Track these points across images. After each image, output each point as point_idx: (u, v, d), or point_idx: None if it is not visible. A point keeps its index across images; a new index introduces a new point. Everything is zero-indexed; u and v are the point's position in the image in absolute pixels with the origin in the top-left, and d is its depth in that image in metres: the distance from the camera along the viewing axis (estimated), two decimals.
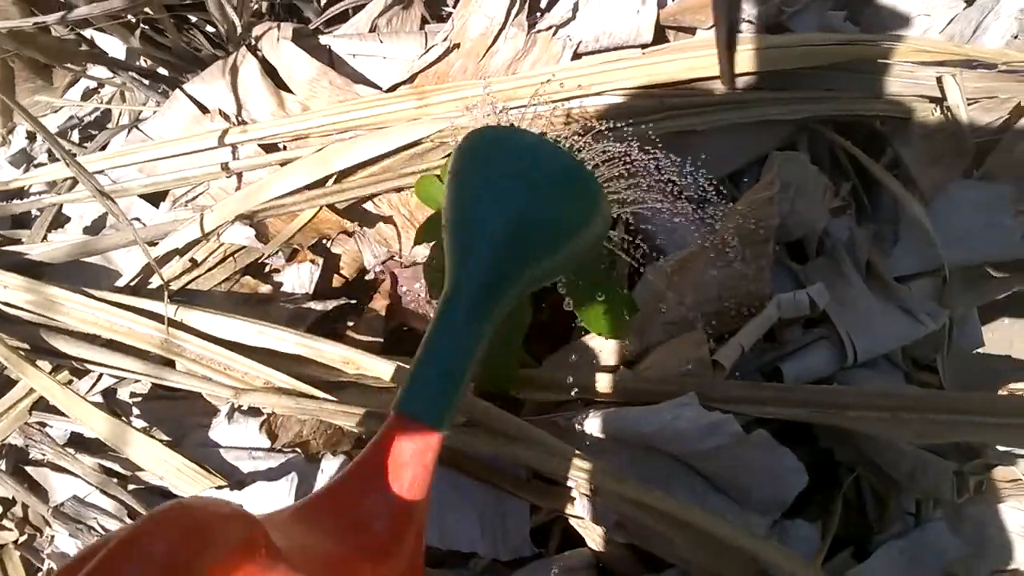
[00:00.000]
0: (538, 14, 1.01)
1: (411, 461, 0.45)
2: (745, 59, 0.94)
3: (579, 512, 0.81)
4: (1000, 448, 0.90)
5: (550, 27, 0.97)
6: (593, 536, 0.82)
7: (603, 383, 0.85)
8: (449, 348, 0.48)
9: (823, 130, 1.00)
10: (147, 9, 0.99)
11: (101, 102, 1.23)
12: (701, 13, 0.98)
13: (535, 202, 0.51)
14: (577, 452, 0.79)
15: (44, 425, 0.94)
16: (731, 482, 0.80)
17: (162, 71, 1.12)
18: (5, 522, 0.99)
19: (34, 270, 0.96)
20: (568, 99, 0.95)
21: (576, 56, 0.98)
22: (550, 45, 0.97)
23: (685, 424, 0.79)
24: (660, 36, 1.01)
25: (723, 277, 0.87)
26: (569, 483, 0.81)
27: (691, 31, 1.01)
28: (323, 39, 1.04)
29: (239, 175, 1.01)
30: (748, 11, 1.04)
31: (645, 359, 0.87)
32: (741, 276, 0.86)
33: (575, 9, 0.98)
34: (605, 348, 0.88)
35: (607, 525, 0.80)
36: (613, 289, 0.87)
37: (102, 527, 0.88)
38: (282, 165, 0.99)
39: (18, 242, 1.06)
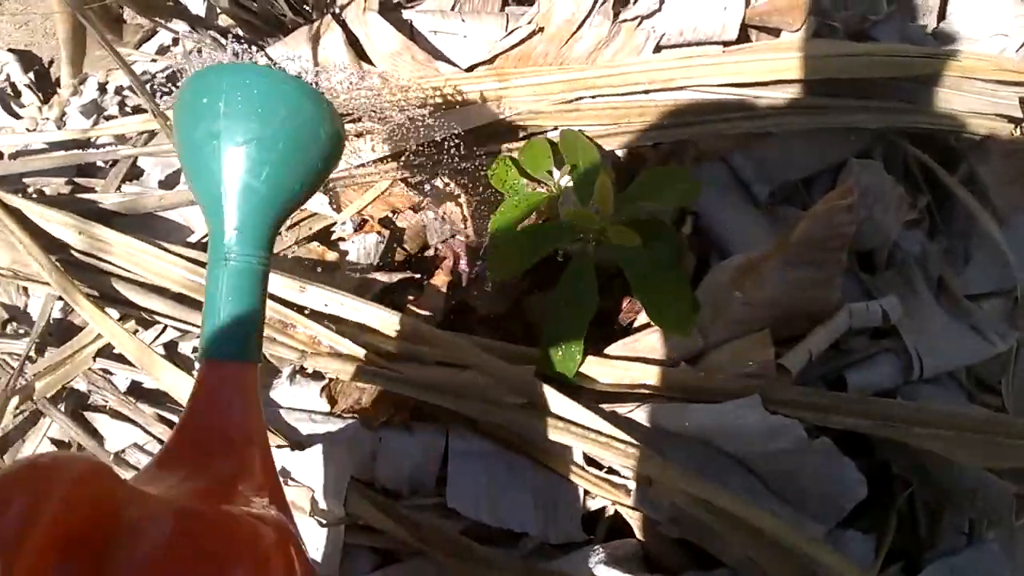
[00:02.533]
0: (624, 4, 1.01)
1: (233, 395, 0.50)
2: (825, 65, 0.94)
3: (631, 503, 0.81)
4: None
5: (635, 18, 0.96)
6: (643, 528, 0.82)
7: (663, 377, 0.85)
8: (234, 289, 0.51)
9: (899, 141, 0.99)
10: None
11: (175, 59, 1.24)
12: (789, 15, 0.97)
13: (264, 129, 0.51)
14: (634, 442, 0.79)
15: (108, 372, 0.96)
16: (789, 487, 0.80)
17: (241, 32, 1.12)
18: None
19: (107, 219, 0.98)
20: (648, 91, 0.95)
21: (658, 49, 0.98)
22: (634, 36, 0.97)
23: (748, 425, 0.79)
24: (744, 35, 1.00)
25: (793, 281, 0.86)
26: (624, 473, 0.82)
27: (776, 32, 1.01)
28: (405, 14, 1.05)
29: None
30: (832, 17, 1.04)
31: (708, 356, 0.87)
32: (811, 282, 0.86)
33: (662, 2, 0.97)
34: (666, 343, 0.88)
35: (660, 518, 0.81)
36: (679, 284, 0.87)
37: None
38: (358, 136, 0.99)
39: (91, 190, 1.07)
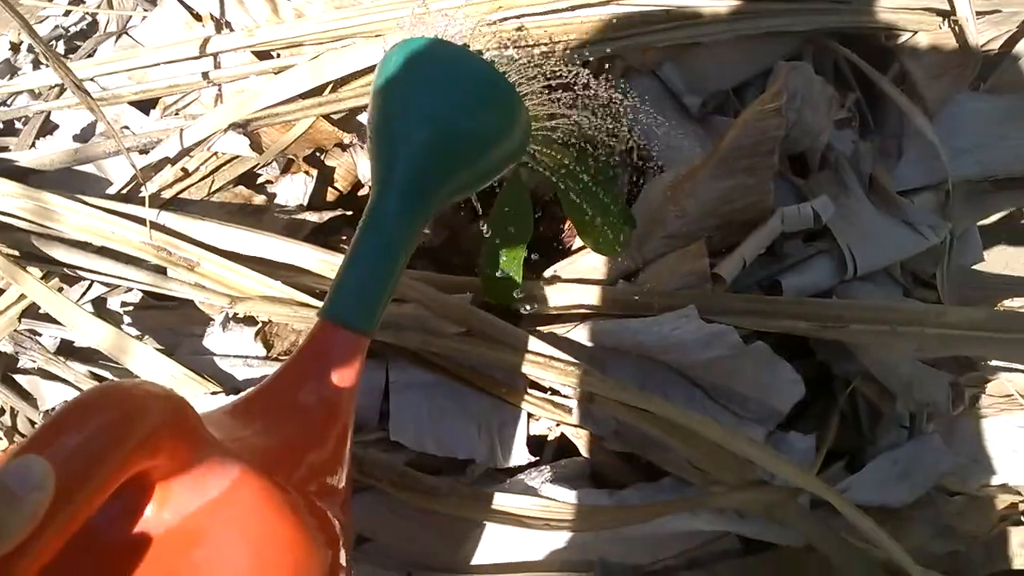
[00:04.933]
0: None
1: (338, 364, 0.49)
2: None
3: (575, 421, 0.81)
4: (995, 363, 0.90)
5: None
6: (588, 445, 0.83)
7: (601, 296, 0.85)
8: (375, 256, 0.51)
9: (828, 42, 0.97)
10: None
11: (88, 9, 1.19)
12: None
13: (456, 113, 0.53)
14: (575, 361, 0.79)
15: (34, 333, 0.93)
16: (729, 392, 0.81)
17: None
18: None
19: (24, 177, 0.93)
20: (573, 7, 0.92)
21: None
22: None
23: (685, 335, 0.78)
24: None
25: (725, 190, 0.86)
26: (566, 392, 0.82)
27: None
28: None
29: (228, 83, 0.98)
30: None
31: (644, 272, 0.87)
32: (744, 189, 0.85)
33: None
34: (603, 262, 0.88)
35: (603, 434, 0.81)
36: (612, 203, 0.86)
37: None
38: (276, 73, 0.96)
39: (6, 149, 1.03)
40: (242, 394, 0.48)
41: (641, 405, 0.75)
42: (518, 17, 0.94)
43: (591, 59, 0.97)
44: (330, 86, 0.95)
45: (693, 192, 0.87)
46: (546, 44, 0.94)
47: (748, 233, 0.85)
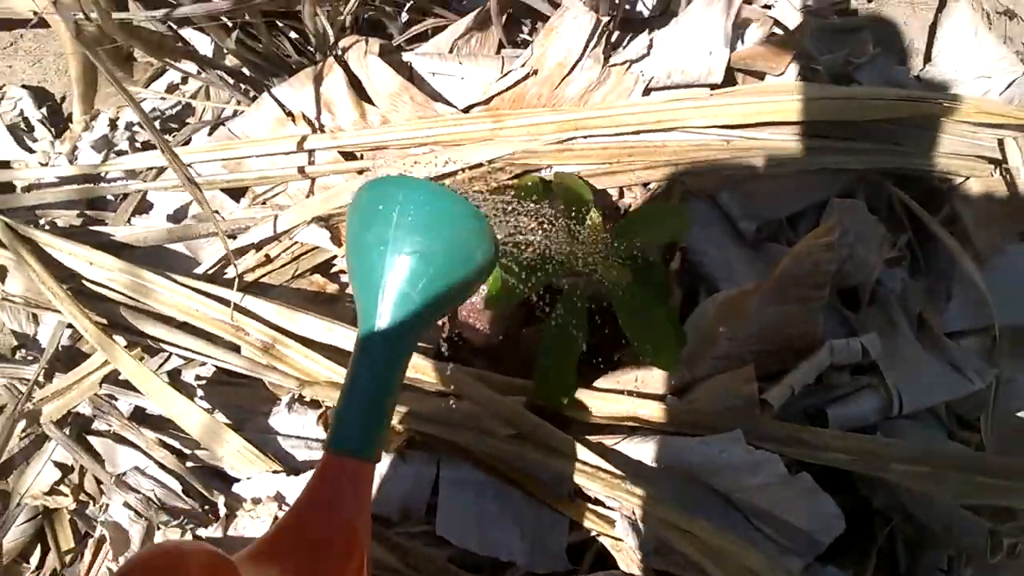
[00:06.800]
0: (614, 48, 1.05)
1: (349, 496, 0.50)
2: (808, 108, 0.97)
3: (617, 533, 0.83)
4: None
5: (625, 62, 1.00)
6: (627, 559, 0.84)
7: (651, 410, 0.88)
8: (371, 387, 0.52)
9: (883, 182, 1.02)
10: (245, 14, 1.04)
11: (184, 97, 1.29)
12: (773, 59, 1.01)
13: (431, 242, 0.54)
14: (620, 474, 0.82)
15: (112, 398, 0.99)
16: (770, 520, 0.82)
17: (247, 72, 1.17)
18: (62, 487, 1.04)
19: (118, 251, 1.01)
20: (638, 132, 0.98)
21: (647, 91, 1.02)
22: (623, 79, 1.00)
23: (730, 459, 0.81)
24: (730, 78, 1.04)
25: (776, 317, 0.89)
26: (610, 504, 0.84)
27: (760, 75, 1.05)
28: (405, 56, 1.09)
29: (318, 178, 1.06)
30: (816, 60, 1.08)
31: (694, 390, 0.90)
32: (794, 317, 0.88)
33: (650, 46, 1.01)
34: (655, 376, 0.91)
35: (644, 550, 0.83)
36: (666, 319, 0.90)
37: (158, 499, 0.93)
38: (359, 173, 1.03)
39: (102, 223, 1.11)
40: (267, 533, 0.49)
41: (684, 526, 0.77)
42: (585, 137, 1.00)
43: (652, 182, 1.03)
44: None
45: (745, 316, 0.90)
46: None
47: (796, 360, 0.88)
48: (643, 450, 0.84)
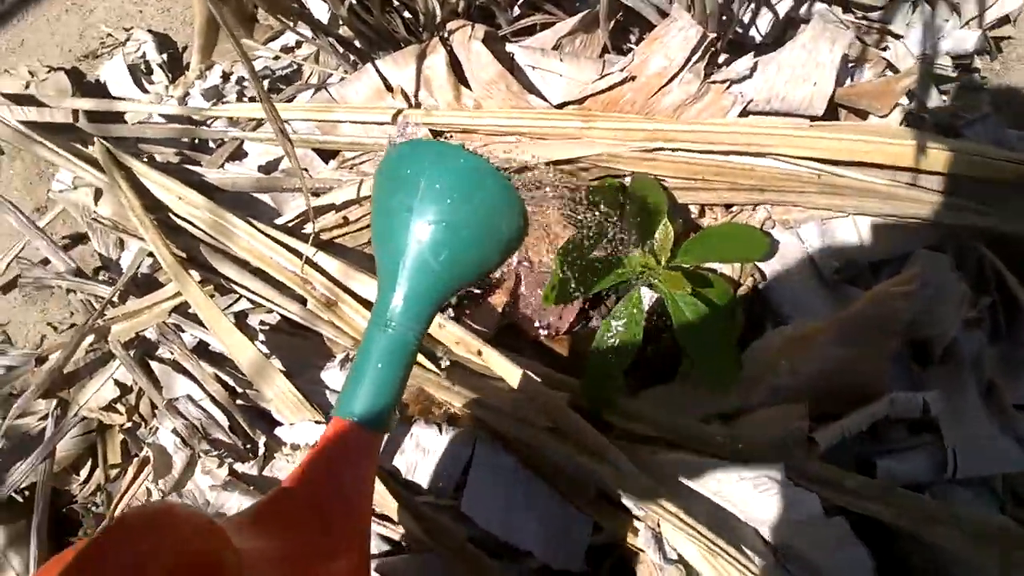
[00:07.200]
0: (716, 66, 1.04)
1: (353, 464, 0.49)
2: (907, 155, 0.94)
3: (640, 544, 0.82)
4: None
5: (726, 81, 0.99)
6: (647, 571, 0.83)
7: (694, 430, 0.87)
8: (384, 356, 0.51)
9: (974, 241, 0.98)
10: None
11: (296, 59, 1.34)
12: (878, 99, 0.99)
13: (456, 212, 0.52)
14: (653, 486, 0.81)
15: (179, 329, 1.04)
16: (798, 560, 0.80)
17: (357, 43, 1.21)
18: (118, 406, 1.09)
19: (207, 192, 1.06)
20: (728, 153, 0.97)
21: (744, 113, 1.00)
22: (721, 97, 1.00)
23: (768, 492, 0.79)
24: (832, 112, 1.02)
25: (841, 359, 0.87)
26: (637, 513, 0.83)
27: (864, 114, 1.02)
28: (509, 46, 1.11)
29: None
30: (924, 108, 1.04)
31: (743, 417, 0.88)
32: (859, 362, 0.86)
33: (753, 69, 1.00)
34: (704, 396, 0.90)
35: (664, 564, 0.81)
36: (724, 339, 0.88)
37: (203, 429, 0.96)
38: None
39: (197, 163, 1.17)
40: (266, 496, 0.48)
41: (708, 549, 0.76)
42: (673, 150, 1.00)
43: (736, 204, 1.02)
44: None
45: (810, 353, 0.88)
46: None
47: (854, 406, 0.85)
48: (680, 467, 0.83)
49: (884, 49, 1.14)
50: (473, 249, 0.54)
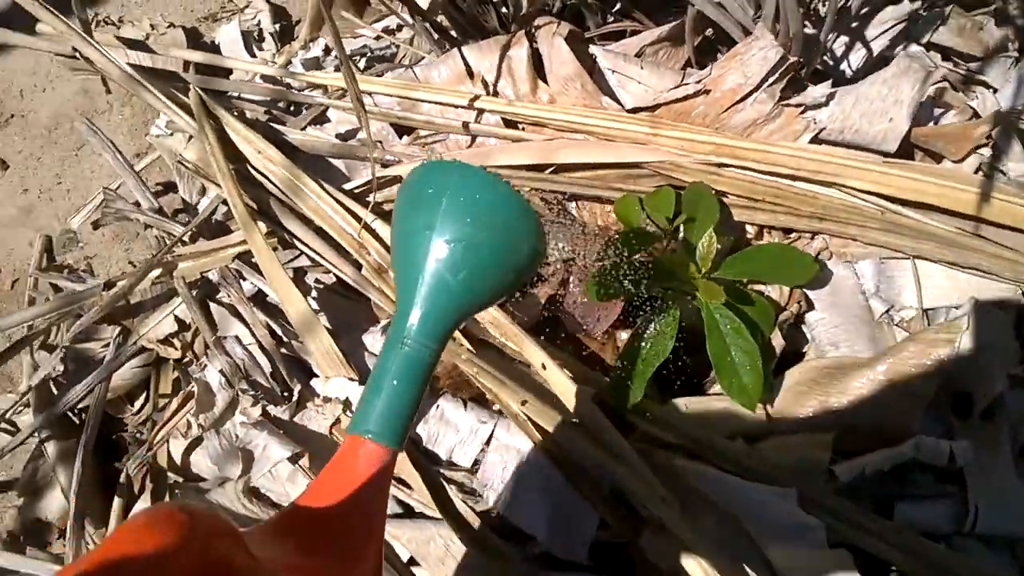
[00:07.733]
0: (793, 90, 1.04)
1: (368, 480, 0.49)
2: (981, 204, 0.91)
3: (643, 545, 0.83)
4: None
5: (800, 105, 0.99)
6: (647, 571, 0.83)
7: (715, 444, 0.87)
8: (399, 374, 0.51)
9: None
10: None
11: (394, 41, 1.39)
12: (954, 143, 0.97)
13: (476, 233, 0.52)
14: (664, 491, 0.81)
15: (240, 276, 1.09)
16: None
17: (453, 32, 1.25)
18: (175, 340, 1.15)
19: (286, 150, 1.12)
20: (794, 177, 0.97)
21: (815, 140, 1.00)
22: (794, 121, 0.99)
23: (777, 515, 0.79)
24: (906, 151, 1.00)
25: (875, 398, 0.86)
26: (643, 514, 0.84)
27: (938, 157, 1.00)
28: (592, 48, 1.13)
29: (475, 137, 1.12)
30: (1000, 160, 1.01)
31: (767, 440, 0.88)
32: (894, 403, 0.85)
33: (830, 97, 0.99)
34: (732, 413, 0.90)
35: (664, 568, 0.82)
36: (755, 357, 0.88)
37: (246, 370, 1.01)
38: (514, 141, 1.08)
39: (282, 123, 1.23)
40: (283, 510, 0.48)
41: (711, 562, 0.76)
42: (737, 167, 1.00)
43: (794, 230, 1.01)
44: (552, 167, 1.05)
45: (845, 387, 0.88)
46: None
47: (879, 446, 0.84)
48: (694, 477, 0.84)
49: (973, 98, 1.11)
50: (492, 270, 0.55)
